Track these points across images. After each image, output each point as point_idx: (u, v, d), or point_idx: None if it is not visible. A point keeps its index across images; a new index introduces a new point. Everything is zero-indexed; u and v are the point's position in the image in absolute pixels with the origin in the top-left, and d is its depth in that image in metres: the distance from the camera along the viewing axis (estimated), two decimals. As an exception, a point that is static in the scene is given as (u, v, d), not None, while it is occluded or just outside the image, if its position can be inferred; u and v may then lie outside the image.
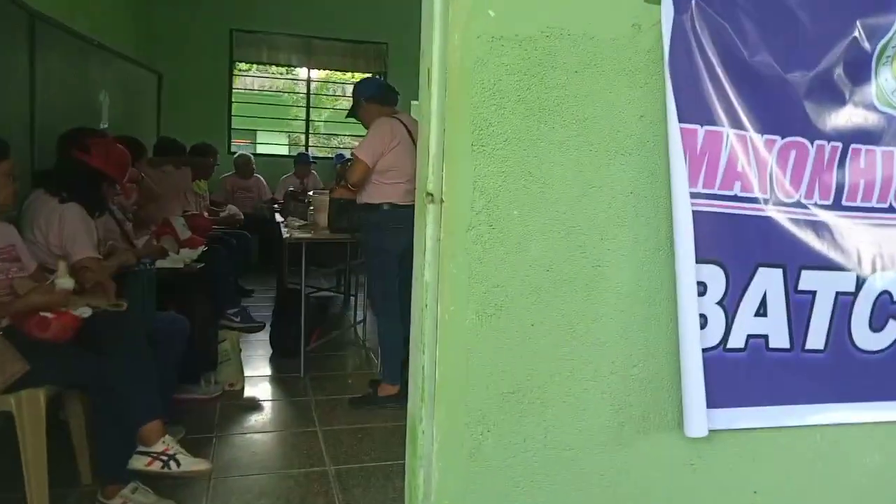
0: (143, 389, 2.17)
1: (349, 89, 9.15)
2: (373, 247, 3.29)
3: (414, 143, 3.28)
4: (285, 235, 3.74)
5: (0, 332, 2.03)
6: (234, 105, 7.95)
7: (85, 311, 2.15)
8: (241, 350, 3.67)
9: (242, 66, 8.01)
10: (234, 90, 7.95)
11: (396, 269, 3.32)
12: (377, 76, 8.49)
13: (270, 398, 3.46)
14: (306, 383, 3.68)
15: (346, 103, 9.04)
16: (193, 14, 7.53)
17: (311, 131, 8.53)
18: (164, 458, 2.16)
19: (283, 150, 8.71)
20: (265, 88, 8.27)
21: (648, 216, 1.43)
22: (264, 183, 7.44)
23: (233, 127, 8.08)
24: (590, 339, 1.43)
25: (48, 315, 2.05)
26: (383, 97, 3.31)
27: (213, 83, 7.80)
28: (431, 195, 1.37)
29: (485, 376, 1.39)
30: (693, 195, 1.41)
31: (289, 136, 10.15)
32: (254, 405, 3.36)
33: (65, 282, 2.05)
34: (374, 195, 3.25)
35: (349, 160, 7.79)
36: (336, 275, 6.08)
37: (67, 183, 2.58)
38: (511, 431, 1.41)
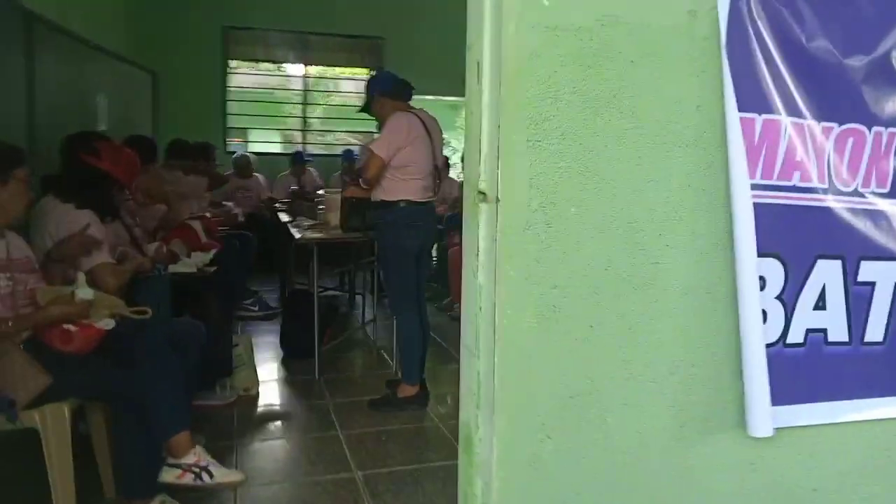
0: (170, 400, 2.11)
1: (343, 85, 9.11)
2: (390, 245, 3.24)
3: (431, 138, 3.22)
4: (297, 236, 3.67)
5: (21, 346, 1.96)
6: (227, 104, 7.86)
7: (108, 323, 2.09)
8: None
9: (233, 63, 7.90)
10: (227, 88, 7.86)
11: (414, 266, 3.27)
12: (375, 70, 8.42)
13: (287, 402, 3.40)
14: (322, 385, 3.62)
15: (340, 99, 9.00)
16: (186, 12, 7.41)
17: (306, 128, 8.44)
18: (196, 469, 2.10)
19: (276, 148, 8.60)
20: (257, 86, 8.13)
21: (706, 210, 1.38)
22: (263, 182, 7.36)
23: (227, 126, 7.99)
24: (649, 339, 1.38)
25: (71, 328, 1.98)
26: (398, 91, 3.24)
27: (207, 82, 7.70)
28: (484, 194, 1.31)
29: (544, 381, 1.34)
30: (751, 186, 1.37)
31: (282, 133, 10.04)
32: (271, 410, 3.30)
33: (85, 293, 1.98)
34: (391, 192, 3.19)
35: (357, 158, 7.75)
36: (339, 274, 6.02)
37: (77, 187, 2.51)
38: (571, 437, 1.36)
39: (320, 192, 4.35)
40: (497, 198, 1.29)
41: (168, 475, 2.10)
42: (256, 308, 4.32)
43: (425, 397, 3.34)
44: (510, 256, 1.30)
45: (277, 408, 3.33)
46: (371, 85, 3.30)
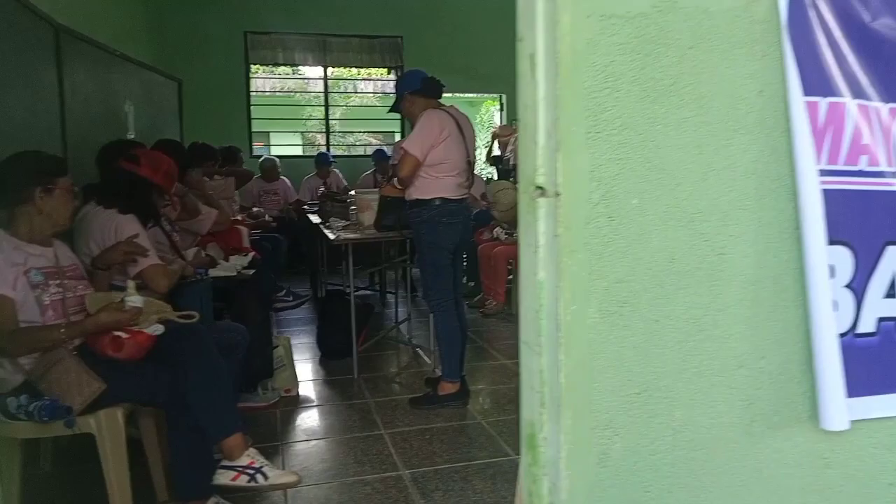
0: (221, 403, 2.12)
1: (360, 86, 9.15)
2: (427, 243, 3.22)
3: (462, 135, 3.20)
4: (331, 237, 3.66)
5: (74, 352, 1.98)
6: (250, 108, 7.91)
7: (158, 329, 2.10)
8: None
9: (254, 68, 7.94)
10: (250, 93, 7.91)
11: (450, 263, 3.25)
12: (394, 70, 8.42)
13: (328, 402, 3.41)
14: (361, 384, 3.63)
15: (360, 100, 9.02)
16: (207, 18, 7.48)
17: (327, 130, 8.46)
18: (251, 471, 2.11)
19: (298, 151, 8.66)
20: (276, 90, 8.19)
21: (772, 197, 1.34)
22: (290, 185, 7.40)
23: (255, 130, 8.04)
24: (715, 332, 1.34)
25: (122, 335, 2.00)
26: (427, 89, 3.22)
27: (230, 87, 7.76)
28: (542, 189, 1.29)
29: (610, 378, 1.31)
30: (818, 172, 1.32)
31: (303, 136, 10.11)
32: (313, 410, 3.31)
33: (134, 300, 1.99)
34: (425, 190, 3.17)
35: (389, 157, 7.76)
36: (369, 273, 6.03)
37: (119, 194, 2.53)
38: (639, 434, 1.33)
39: (351, 192, 4.34)
40: (556, 192, 1.26)
41: (222, 477, 2.11)
42: (291, 299, 4.36)
43: (466, 394, 3.32)
44: (572, 251, 1.27)
45: (319, 408, 3.33)
46: (400, 84, 3.29)
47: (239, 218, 4.67)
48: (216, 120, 7.47)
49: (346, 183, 7.64)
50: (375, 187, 7.63)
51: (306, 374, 3.85)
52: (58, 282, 2.08)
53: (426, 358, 4.05)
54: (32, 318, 2.00)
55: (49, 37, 3.67)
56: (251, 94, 7.99)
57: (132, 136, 5.18)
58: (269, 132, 9.15)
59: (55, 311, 2.04)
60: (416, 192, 3.20)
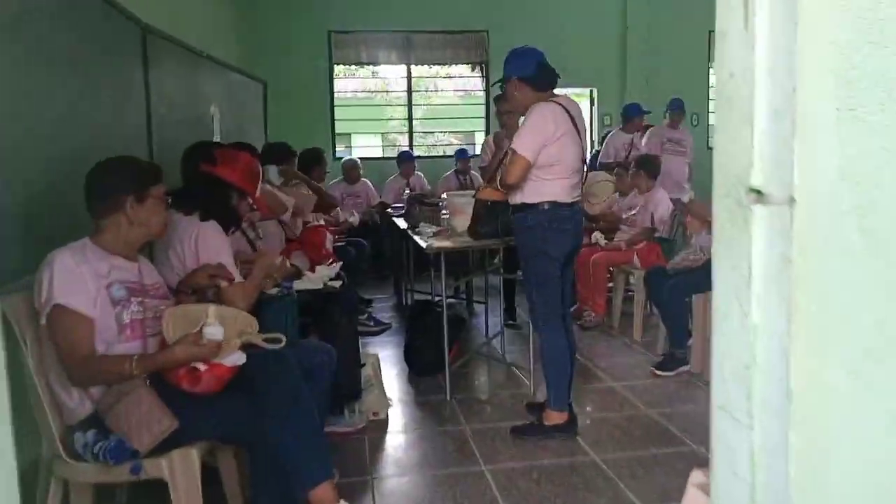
0: (310, 446, 1.84)
1: (442, 84, 8.87)
2: (532, 251, 2.85)
3: (578, 131, 2.82)
4: (423, 244, 3.35)
5: (147, 382, 1.73)
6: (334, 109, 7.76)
7: (239, 359, 1.84)
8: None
9: (338, 68, 7.79)
10: (334, 94, 7.76)
11: (559, 275, 2.87)
12: (478, 65, 8.10)
13: (420, 428, 3.09)
14: (454, 408, 3.30)
15: (441, 98, 8.75)
16: (291, 18, 7.38)
17: (410, 130, 8.22)
18: (343, 528, 1.81)
19: (379, 153, 8.47)
20: (357, 90, 8.03)
21: None
22: (372, 187, 7.19)
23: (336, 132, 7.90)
24: None
25: (199, 367, 1.74)
26: (541, 78, 2.83)
27: (314, 88, 7.64)
28: (760, 192, 0.90)
29: (862, 467, 0.91)
30: None
31: (384, 137, 9.93)
32: (405, 438, 3.00)
33: (214, 331, 1.73)
34: (533, 194, 2.81)
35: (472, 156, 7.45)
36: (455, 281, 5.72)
37: (198, 199, 2.30)
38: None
39: (443, 195, 4.01)
40: (789, 197, 0.87)
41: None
42: (372, 324, 4.08)
43: (574, 424, 2.93)
44: (807, 282, 0.88)
45: (411, 435, 3.02)
46: (511, 64, 2.88)
47: (321, 223, 4.42)
48: (300, 121, 7.36)
49: (428, 185, 7.39)
50: (459, 188, 7.42)
51: (394, 392, 3.55)
52: (139, 299, 1.86)
53: (524, 378, 3.67)
54: (109, 338, 1.78)
55: (136, 37, 3.54)
56: (336, 94, 7.84)
57: (217, 140, 5.08)
58: (350, 134, 9.03)
59: (133, 331, 1.81)
60: (523, 196, 2.84)
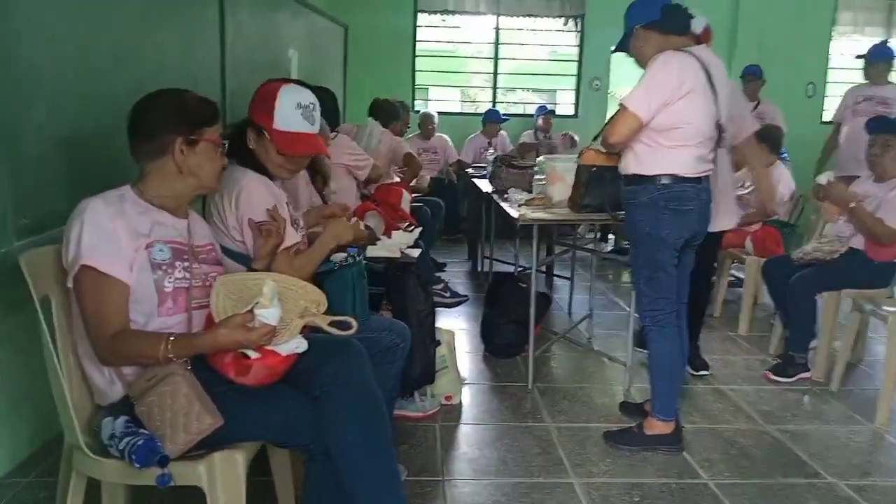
0: (377, 465, 1.49)
1: (529, 38, 8.18)
2: (643, 233, 2.40)
3: (713, 89, 2.32)
4: (515, 215, 2.93)
5: (188, 367, 1.42)
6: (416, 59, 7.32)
7: (299, 346, 1.49)
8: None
9: (422, 17, 7.31)
10: (416, 43, 7.31)
11: (674, 264, 2.42)
12: (572, 19, 7.45)
13: (499, 421, 2.72)
14: (536, 399, 2.92)
15: (528, 53, 8.11)
16: (378, -41, 6.96)
17: (494, 86, 7.68)
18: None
19: (456, 108, 7.99)
20: (444, 40, 7.52)
21: None
22: (450, 143, 6.79)
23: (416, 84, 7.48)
24: None
25: (249, 353, 1.41)
26: (670, 21, 2.35)
27: (396, 36, 7.22)
28: None
29: None
30: None
31: (463, 92, 9.39)
32: (481, 432, 2.64)
33: (269, 314, 1.38)
34: (649, 163, 2.34)
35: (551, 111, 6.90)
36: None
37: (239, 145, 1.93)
38: None
39: (539, 158, 3.54)
40: None
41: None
42: (448, 294, 3.70)
43: (680, 437, 2.50)
44: None
45: (488, 429, 2.66)
46: (631, 14, 2.43)
47: (397, 179, 4.07)
48: (380, 71, 6.98)
49: (511, 146, 6.92)
50: (537, 147, 6.91)
51: (469, 373, 3.20)
52: (186, 264, 1.54)
53: (616, 370, 3.24)
54: (147, 309, 1.47)
55: (212, -26, 3.22)
56: (418, 43, 7.40)
57: (294, 82, 4.77)
58: (428, 87, 8.56)
59: (177, 302, 1.50)
60: (636, 165, 2.38)
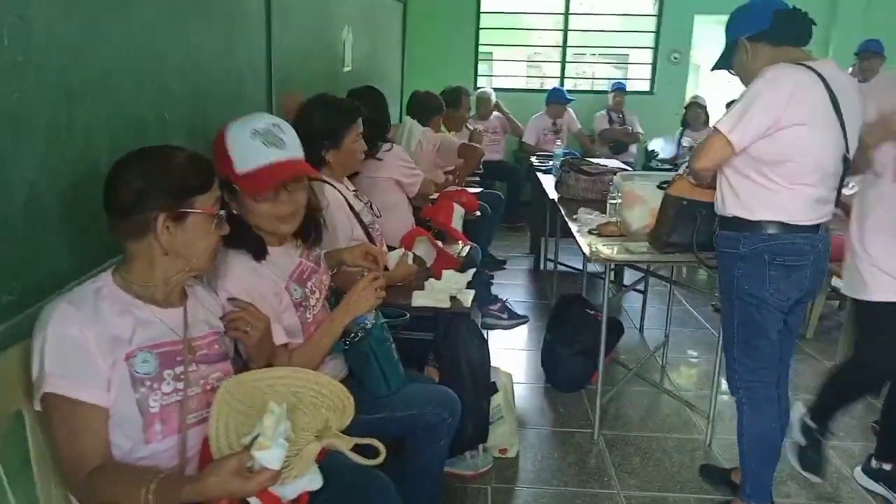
0: None
1: (601, 4, 7.52)
2: (740, 293, 1.99)
3: (838, 114, 1.87)
4: (583, 245, 2.55)
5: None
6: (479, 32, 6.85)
7: (312, 483, 1.20)
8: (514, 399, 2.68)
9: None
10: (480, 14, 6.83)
11: (777, 328, 2.01)
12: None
13: (560, 485, 2.39)
14: (603, 453, 2.58)
15: (602, 21, 7.46)
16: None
17: (565, 60, 7.14)
18: None
19: (521, 83, 7.48)
20: (504, 10, 7.02)
21: None
22: (511, 118, 6.33)
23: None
24: None
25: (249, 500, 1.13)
26: (783, 29, 1.90)
27: (459, 9, 6.75)
28: None
29: None
30: None
31: (529, 66, 8.83)
32: (540, 496, 2.33)
33: (270, 456, 1.09)
34: (754, 204, 1.93)
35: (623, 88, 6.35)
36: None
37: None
38: None
39: (614, 173, 3.08)
40: None
41: None
42: (505, 316, 3.36)
43: (772, 523, 2.13)
44: None
45: (547, 496, 2.34)
46: (734, 25, 1.98)
47: (454, 189, 3.69)
48: (441, 46, 6.58)
49: (579, 125, 6.43)
50: (609, 130, 6.37)
51: (528, 411, 2.89)
52: (179, 369, 1.26)
53: (698, 421, 2.84)
54: (132, 432, 1.20)
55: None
56: (482, 14, 6.92)
57: (348, 69, 4.43)
58: (491, 61, 8.07)
59: (166, 423, 1.22)
60: (736, 205, 1.97)
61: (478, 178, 5.37)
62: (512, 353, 3.50)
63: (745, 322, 2.02)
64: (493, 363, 3.17)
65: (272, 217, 1.53)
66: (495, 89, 6.43)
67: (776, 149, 1.87)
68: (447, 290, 2.19)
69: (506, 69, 7.85)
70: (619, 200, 2.73)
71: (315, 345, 1.62)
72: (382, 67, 5.52)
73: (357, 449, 1.23)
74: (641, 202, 2.58)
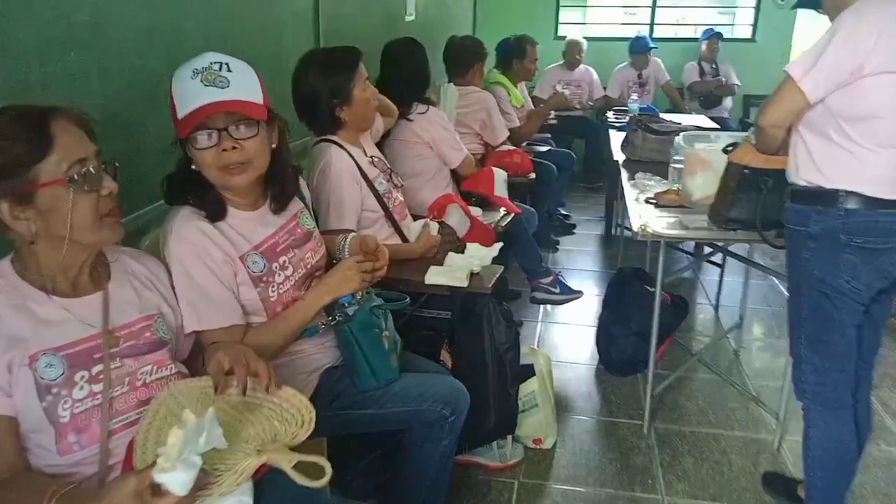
0: None
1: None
2: (811, 276, 1.65)
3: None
4: (634, 216, 2.23)
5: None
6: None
7: (242, 503, 1.04)
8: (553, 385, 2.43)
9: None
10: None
11: (855, 323, 1.66)
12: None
13: (597, 485, 2.15)
14: (652, 449, 2.31)
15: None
16: None
17: (656, 4, 6.52)
18: None
19: (605, 32, 6.91)
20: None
21: None
22: (595, 77, 5.90)
23: (561, 4, 6.55)
24: None
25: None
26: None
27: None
28: None
29: None
30: None
31: (617, 11, 8.16)
32: (569, 497, 2.11)
33: (173, 480, 0.91)
34: (829, 170, 1.58)
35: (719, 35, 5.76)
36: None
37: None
38: None
39: (679, 135, 2.66)
40: None
41: None
42: (557, 290, 3.09)
43: (845, 549, 1.81)
44: None
45: (580, 494, 2.12)
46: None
47: (507, 149, 3.41)
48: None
49: (668, 77, 5.89)
50: (700, 82, 5.78)
51: (575, 396, 2.64)
52: (97, 368, 1.11)
53: (769, 416, 2.50)
54: (45, 443, 1.07)
55: None
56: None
57: (411, 17, 4.18)
58: (584, 7, 7.52)
59: (83, 432, 1.08)
60: (809, 169, 1.62)
61: (549, 135, 5.04)
62: (565, 328, 3.24)
63: (814, 314, 1.68)
64: (538, 340, 2.99)
65: (216, 169, 1.33)
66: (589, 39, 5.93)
67: (860, 102, 1.51)
68: (467, 265, 1.96)
69: (596, 16, 7.29)
70: (682, 165, 2.38)
71: (278, 324, 1.44)
72: (451, 16, 5.21)
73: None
74: (706, 168, 2.22)
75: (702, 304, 3.54)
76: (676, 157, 2.50)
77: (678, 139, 2.46)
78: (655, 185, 2.53)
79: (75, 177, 1.04)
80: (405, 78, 2.62)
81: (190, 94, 1.27)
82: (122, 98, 1.63)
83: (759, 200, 1.85)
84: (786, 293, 3.50)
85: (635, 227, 2.13)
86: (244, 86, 1.31)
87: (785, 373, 2.33)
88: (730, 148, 1.99)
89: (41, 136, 1.02)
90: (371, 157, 2.13)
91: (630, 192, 2.56)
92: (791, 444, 2.32)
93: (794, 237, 1.69)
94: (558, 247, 4.38)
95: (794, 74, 1.54)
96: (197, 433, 0.99)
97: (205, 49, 1.35)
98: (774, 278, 3.65)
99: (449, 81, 3.40)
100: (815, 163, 1.61)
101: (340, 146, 2.02)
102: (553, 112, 4.72)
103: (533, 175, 3.33)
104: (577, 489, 2.13)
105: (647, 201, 2.39)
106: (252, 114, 1.31)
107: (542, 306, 3.33)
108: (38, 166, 1.02)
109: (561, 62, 5.80)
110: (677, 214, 2.23)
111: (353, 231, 1.90)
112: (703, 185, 2.21)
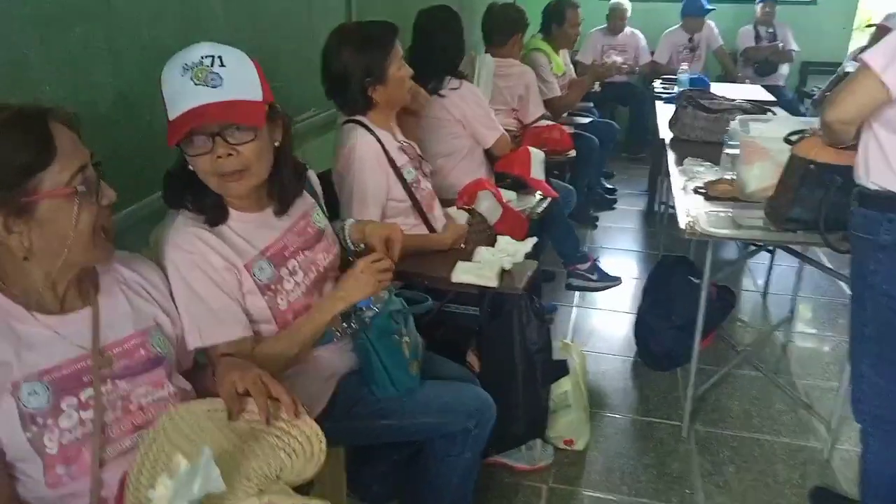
0: None
1: None
2: (877, 288, 1.48)
3: None
4: (681, 215, 2.05)
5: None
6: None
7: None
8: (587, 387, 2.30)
9: None
10: None
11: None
12: None
13: (631, 494, 2.02)
14: (691, 455, 2.18)
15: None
16: None
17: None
18: None
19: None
20: None
21: None
22: (642, 40, 5.59)
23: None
24: None
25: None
26: None
27: None
28: None
29: None
30: None
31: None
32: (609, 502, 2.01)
33: None
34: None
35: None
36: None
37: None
38: None
39: (734, 122, 2.40)
40: None
41: None
42: (595, 277, 2.93)
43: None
44: None
45: (618, 503, 2.01)
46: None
47: (545, 123, 3.22)
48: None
49: (721, 41, 5.54)
50: (755, 48, 5.41)
51: (610, 391, 2.52)
52: (86, 394, 1.03)
53: (820, 425, 2.33)
54: (34, 474, 1.00)
55: None
56: None
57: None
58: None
59: (72, 463, 1.01)
60: (881, 173, 1.44)
61: (591, 104, 4.81)
62: (602, 314, 3.09)
63: (879, 331, 1.51)
64: (572, 327, 2.85)
65: (212, 176, 1.21)
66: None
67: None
68: (497, 262, 1.82)
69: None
70: (736, 150, 2.18)
71: (290, 335, 1.33)
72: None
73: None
74: (764, 158, 2.02)
75: (748, 290, 3.35)
76: (731, 143, 2.29)
77: (734, 123, 2.25)
78: (706, 173, 2.33)
79: (79, 187, 0.95)
80: (437, 50, 2.46)
81: (179, 94, 1.14)
82: (132, 78, 1.52)
83: (825, 199, 1.67)
84: (843, 284, 3.31)
85: (682, 224, 1.95)
86: (240, 82, 1.17)
87: (840, 376, 2.17)
88: (793, 138, 1.80)
89: (43, 142, 0.93)
90: (402, 142, 1.99)
91: (677, 179, 2.37)
92: (843, 455, 2.17)
93: (860, 246, 1.51)
94: (597, 223, 4.21)
95: (875, 65, 1.35)
96: (191, 479, 0.90)
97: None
98: (830, 264, 3.42)
99: (486, 52, 3.20)
100: (890, 165, 1.42)
101: (369, 129, 1.89)
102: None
103: (573, 152, 3.14)
104: (610, 497, 2.02)
105: (696, 191, 2.21)
106: (248, 119, 1.18)
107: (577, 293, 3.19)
108: (40, 175, 0.93)
109: (604, 26, 5.51)
110: (729, 209, 2.04)
111: (374, 222, 1.78)
112: (760, 177, 2.01)
